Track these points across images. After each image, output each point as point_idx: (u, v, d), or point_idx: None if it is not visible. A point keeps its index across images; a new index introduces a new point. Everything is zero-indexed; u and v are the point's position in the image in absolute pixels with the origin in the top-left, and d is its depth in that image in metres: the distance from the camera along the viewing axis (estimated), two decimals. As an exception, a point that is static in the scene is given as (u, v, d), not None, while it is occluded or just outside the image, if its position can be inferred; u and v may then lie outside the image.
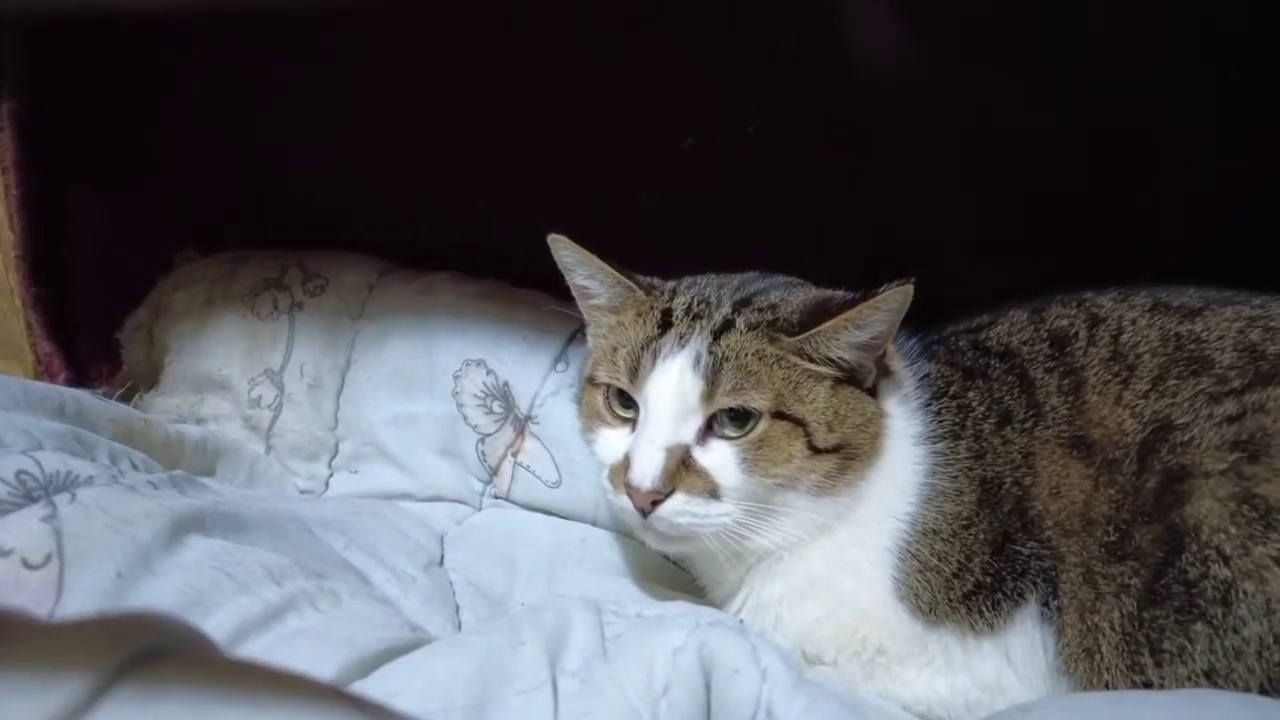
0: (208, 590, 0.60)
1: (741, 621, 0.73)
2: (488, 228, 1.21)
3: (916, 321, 0.88)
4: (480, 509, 1.09)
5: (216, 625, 0.59)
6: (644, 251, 0.90)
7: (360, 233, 1.26)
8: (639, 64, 1.16)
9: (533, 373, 1.07)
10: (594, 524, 1.05)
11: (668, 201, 1.22)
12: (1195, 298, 0.81)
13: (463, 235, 1.23)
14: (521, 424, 1.07)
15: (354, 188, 1.21)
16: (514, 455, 1.07)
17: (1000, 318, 0.87)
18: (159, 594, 0.58)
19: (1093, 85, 1.04)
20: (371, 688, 0.55)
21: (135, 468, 0.78)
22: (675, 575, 0.97)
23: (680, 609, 0.66)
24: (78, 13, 1.07)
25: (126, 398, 1.11)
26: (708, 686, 0.55)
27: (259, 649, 0.58)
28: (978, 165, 1.14)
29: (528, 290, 1.16)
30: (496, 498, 1.09)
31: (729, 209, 1.19)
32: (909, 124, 1.15)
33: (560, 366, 1.08)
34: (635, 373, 0.78)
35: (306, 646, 0.58)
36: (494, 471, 1.08)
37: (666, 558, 0.96)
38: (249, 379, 1.12)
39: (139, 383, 1.17)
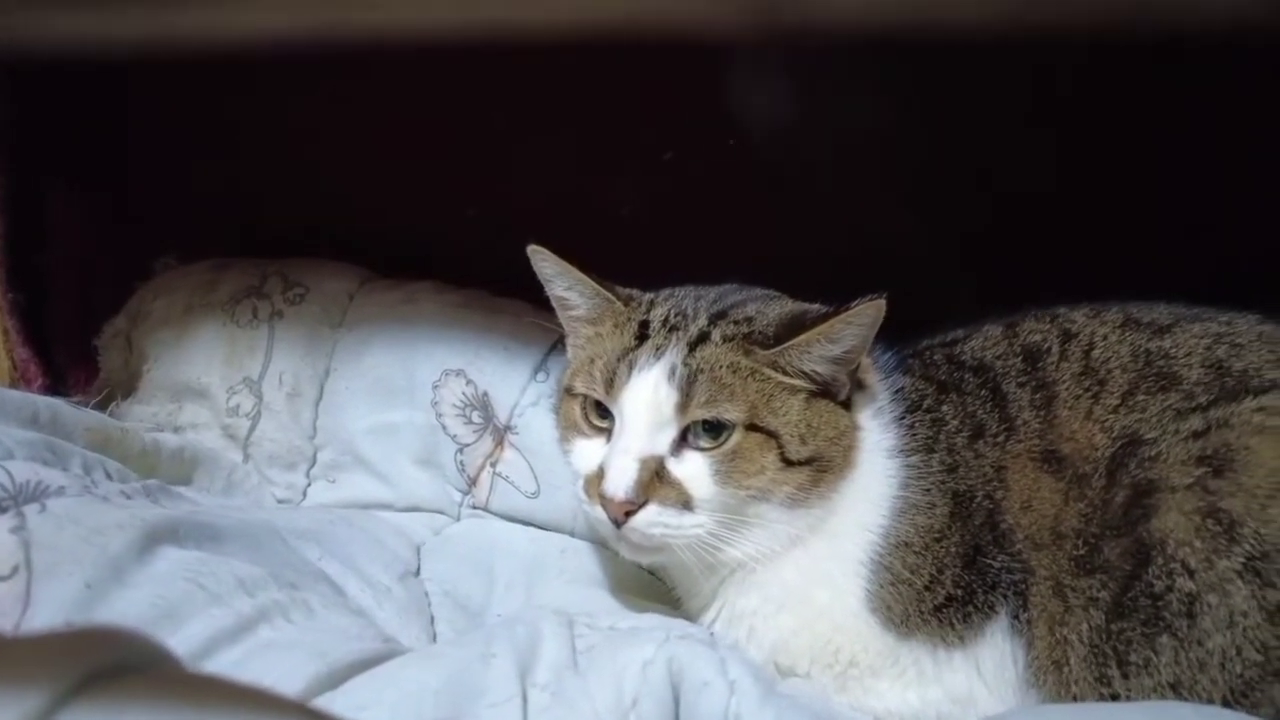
0: (180, 601, 0.60)
1: (713, 634, 0.73)
2: (472, 237, 1.21)
3: (900, 336, 0.90)
4: (459, 519, 1.09)
5: (188, 637, 0.58)
6: (626, 263, 0.90)
7: (344, 241, 1.26)
8: (622, 75, 1.17)
9: (513, 383, 1.07)
10: (573, 534, 1.05)
11: (649, 213, 1.23)
12: (1165, 314, 0.82)
13: (447, 244, 1.24)
14: (500, 434, 1.07)
15: (338, 195, 1.21)
16: (493, 465, 1.08)
17: (975, 332, 0.88)
18: (130, 605, 0.58)
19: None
20: (341, 700, 0.55)
21: (109, 477, 0.77)
22: (653, 586, 0.98)
23: (653, 622, 0.67)
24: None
25: (103, 405, 1.10)
26: (677, 699, 0.55)
27: (230, 660, 0.58)
28: (962, 179, 1.15)
29: (510, 300, 1.16)
30: (475, 508, 1.09)
31: (711, 221, 1.20)
32: (894, 140, 1.16)
33: (540, 376, 1.08)
34: (611, 384, 0.78)
35: (278, 658, 0.58)
36: (473, 482, 1.08)
37: (644, 568, 0.97)
38: (227, 387, 1.12)
39: (116, 390, 1.17)
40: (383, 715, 0.53)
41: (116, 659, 0.31)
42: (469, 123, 1.22)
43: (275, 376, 1.12)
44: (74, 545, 0.59)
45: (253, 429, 1.11)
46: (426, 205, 1.19)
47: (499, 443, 1.07)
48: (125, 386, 1.17)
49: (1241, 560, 0.66)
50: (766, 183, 1.20)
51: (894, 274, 0.95)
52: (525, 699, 0.56)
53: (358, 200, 1.20)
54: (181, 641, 0.58)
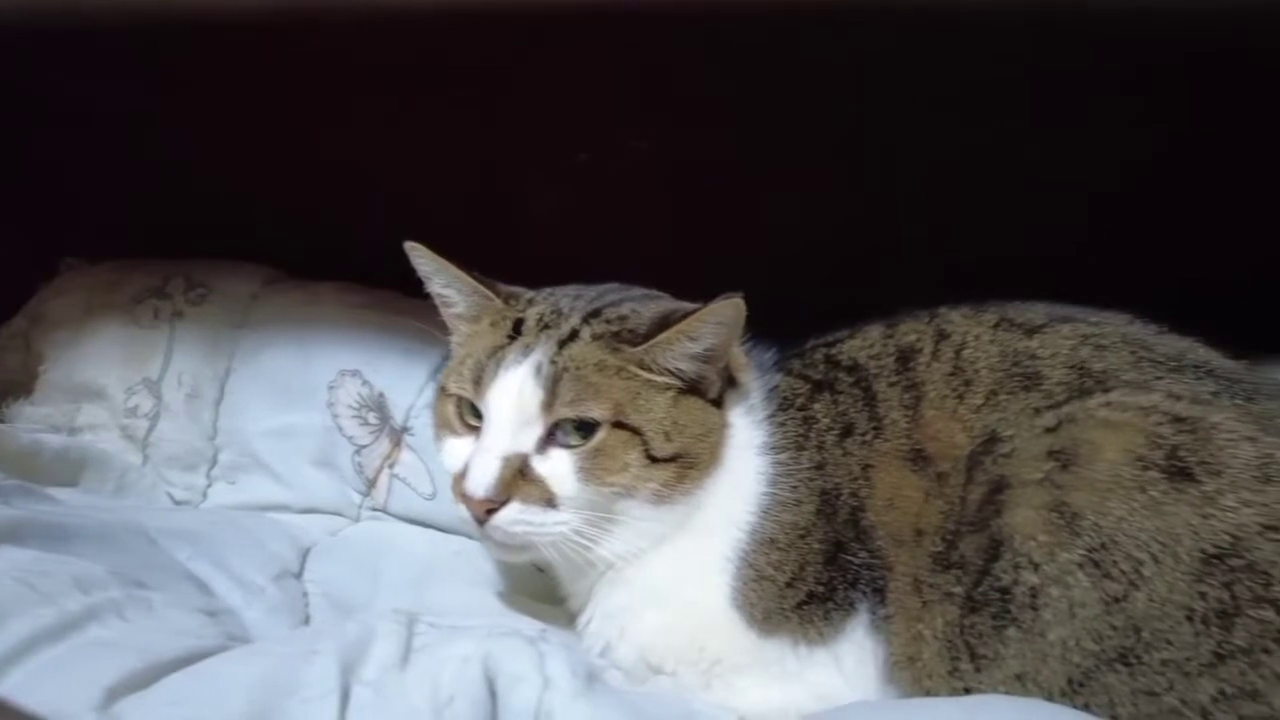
0: (5, 601, 0.60)
1: (546, 633, 0.73)
2: (384, 237, 1.21)
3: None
4: (358, 521, 1.09)
5: (9, 635, 0.58)
6: (540, 264, 0.89)
7: (257, 241, 1.25)
8: (534, 75, 1.17)
9: (409, 383, 1.07)
10: (470, 536, 1.04)
11: (563, 214, 1.23)
12: (1040, 315, 0.82)
13: (360, 245, 1.23)
14: (398, 435, 1.07)
15: (252, 196, 1.21)
16: (390, 467, 1.07)
17: (857, 331, 0.89)
18: (-54, 605, 0.58)
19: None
20: (154, 696, 0.54)
21: (-31, 478, 0.76)
22: (546, 588, 0.97)
23: (497, 621, 0.66)
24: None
25: (-2, 406, 1.10)
26: (493, 695, 0.55)
27: (51, 658, 0.57)
28: (888, 176, 1.15)
29: (419, 301, 1.15)
30: (375, 510, 1.09)
31: (623, 222, 1.20)
32: (810, 138, 1.16)
33: (439, 377, 1.08)
34: (479, 381, 0.78)
35: (97, 656, 0.58)
36: (371, 483, 1.08)
37: (540, 569, 0.96)
38: (125, 388, 1.11)
39: (15, 391, 1.15)
40: (190, 711, 0.52)
41: None
42: (384, 123, 1.22)
43: (175, 377, 1.11)
44: (-107, 544, 0.59)
45: (151, 430, 1.10)
46: (343, 205, 1.19)
47: (396, 444, 1.07)
48: (24, 388, 1.16)
49: (1082, 552, 0.66)
50: (679, 183, 1.21)
51: (814, 273, 0.94)
52: (346, 695, 0.55)
53: (271, 201, 1.20)
54: (2, 640, 0.57)
